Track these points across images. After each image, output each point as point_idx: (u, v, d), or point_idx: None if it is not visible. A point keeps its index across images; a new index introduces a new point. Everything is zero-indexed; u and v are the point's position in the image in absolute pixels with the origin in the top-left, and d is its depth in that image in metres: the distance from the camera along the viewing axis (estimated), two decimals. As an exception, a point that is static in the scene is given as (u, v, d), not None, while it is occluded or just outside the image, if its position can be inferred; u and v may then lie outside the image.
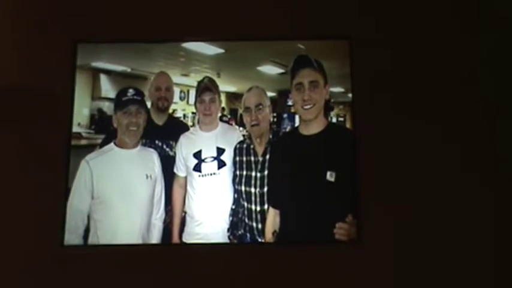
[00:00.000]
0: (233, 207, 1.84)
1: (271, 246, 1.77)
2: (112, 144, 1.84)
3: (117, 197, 1.79)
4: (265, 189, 1.80)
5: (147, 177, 1.82)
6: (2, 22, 1.91)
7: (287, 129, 1.88)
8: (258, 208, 1.79)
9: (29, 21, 1.91)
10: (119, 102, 1.83)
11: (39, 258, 1.74)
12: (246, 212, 1.82)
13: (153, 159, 1.86)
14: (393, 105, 1.83)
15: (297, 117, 1.85)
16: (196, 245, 1.81)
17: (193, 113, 1.94)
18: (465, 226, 1.75)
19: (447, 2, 1.89)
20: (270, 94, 1.87)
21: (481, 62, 1.84)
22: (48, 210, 1.75)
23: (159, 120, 1.91)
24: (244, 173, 1.83)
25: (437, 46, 1.86)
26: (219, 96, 1.88)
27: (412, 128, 1.81)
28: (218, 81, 1.88)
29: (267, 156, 1.82)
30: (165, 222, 1.84)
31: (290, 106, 1.86)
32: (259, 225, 1.79)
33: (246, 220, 1.81)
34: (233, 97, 1.95)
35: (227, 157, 1.86)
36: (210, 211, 1.83)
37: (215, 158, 1.85)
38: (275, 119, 1.88)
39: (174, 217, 1.84)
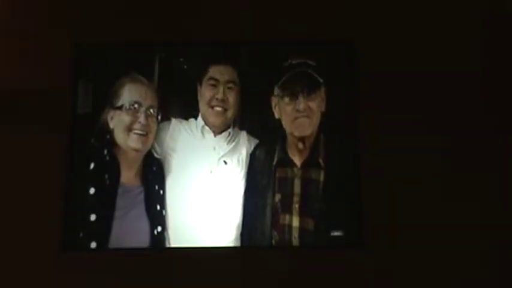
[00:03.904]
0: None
1: (273, 250, 1.70)
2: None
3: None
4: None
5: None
6: (2, 23, 1.90)
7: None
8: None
9: (30, 23, 1.90)
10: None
11: (39, 261, 1.68)
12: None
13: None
14: (396, 107, 1.80)
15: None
16: (198, 249, 1.71)
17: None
18: (469, 231, 1.71)
19: (450, 4, 1.89)
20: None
21: (485, 64, 1.84)
22: (49, 212, 1.70)
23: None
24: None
25: (441, 47, 1.85)
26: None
27: (415, 130, 1.78)
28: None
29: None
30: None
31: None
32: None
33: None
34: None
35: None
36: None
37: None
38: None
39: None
